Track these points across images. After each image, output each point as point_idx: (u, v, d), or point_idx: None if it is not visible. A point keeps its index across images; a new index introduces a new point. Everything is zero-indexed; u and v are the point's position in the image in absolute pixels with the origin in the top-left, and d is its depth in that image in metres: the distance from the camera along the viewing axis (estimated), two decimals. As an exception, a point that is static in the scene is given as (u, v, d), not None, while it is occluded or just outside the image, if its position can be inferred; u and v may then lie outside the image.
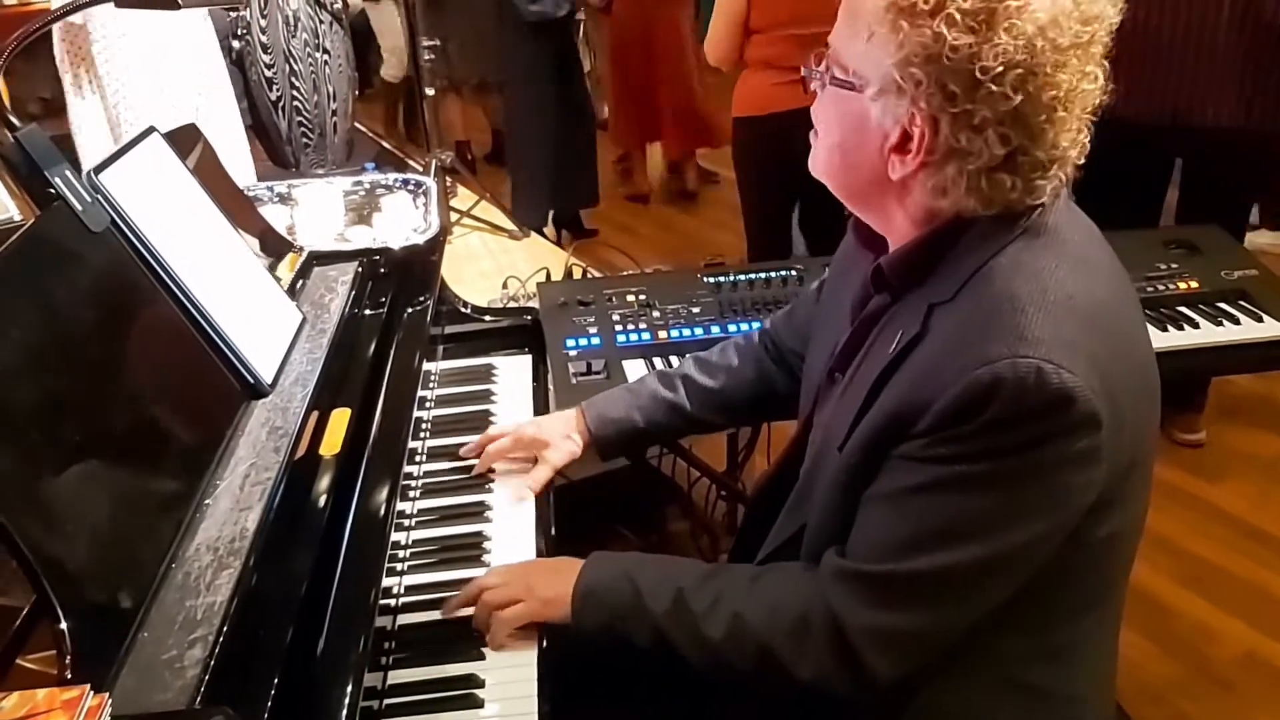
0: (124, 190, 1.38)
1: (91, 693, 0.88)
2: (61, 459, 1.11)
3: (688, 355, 1.87)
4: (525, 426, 1.79)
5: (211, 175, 1.65)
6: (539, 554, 1.61)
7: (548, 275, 2.77)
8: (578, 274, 2.84)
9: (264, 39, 3.96)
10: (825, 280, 1.65)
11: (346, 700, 1.12)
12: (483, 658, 1.42)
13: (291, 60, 4.02)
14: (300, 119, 4.09)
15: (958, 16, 1.09)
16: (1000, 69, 1.09)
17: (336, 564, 1.27)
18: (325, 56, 4.11)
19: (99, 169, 1.35)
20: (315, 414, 1.47)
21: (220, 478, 1.34)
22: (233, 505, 1.29)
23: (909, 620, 1.22)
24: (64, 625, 1.00)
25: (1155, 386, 1.27)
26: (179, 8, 1.75)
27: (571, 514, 1.78)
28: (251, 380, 1.46)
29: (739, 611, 1.32)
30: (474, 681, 1.37)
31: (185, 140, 1.61)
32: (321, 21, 4.08)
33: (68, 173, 1.28)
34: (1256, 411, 3.88)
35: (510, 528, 1.66)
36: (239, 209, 1.71)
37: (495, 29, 5.30)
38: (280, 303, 1.63)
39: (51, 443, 1.11)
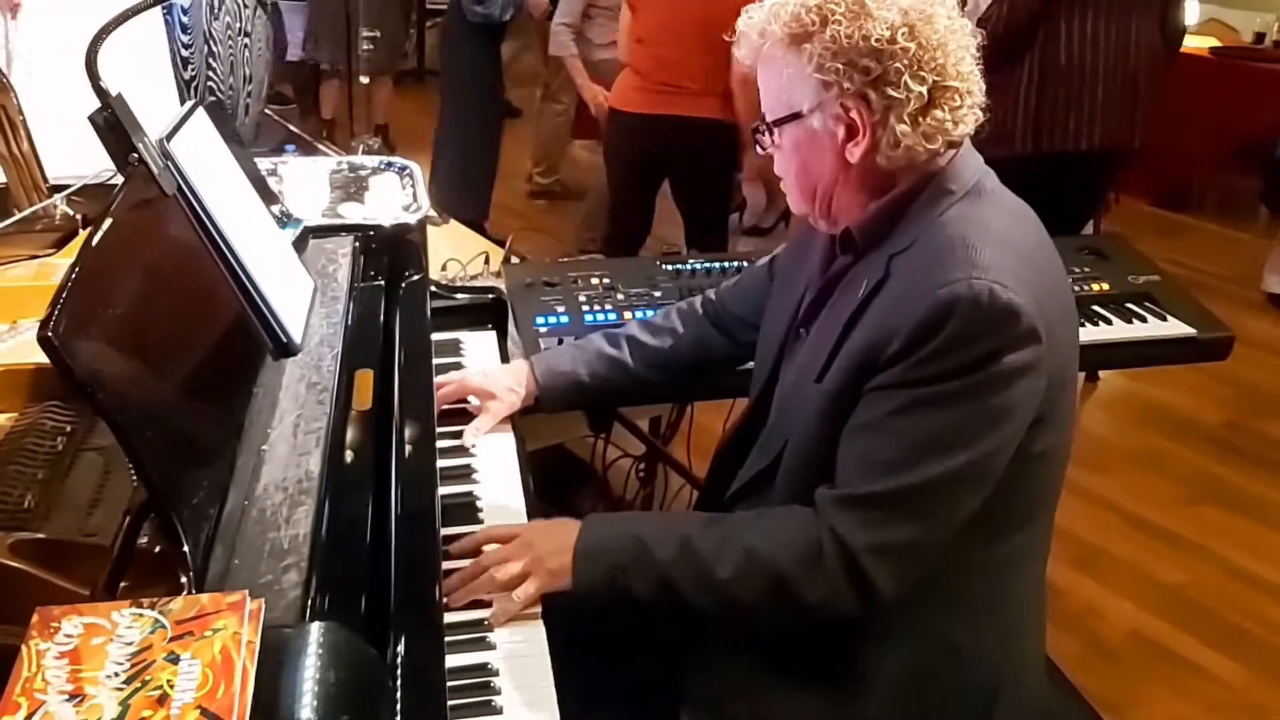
0: (186, 158, 1.44)
1: (250, 598, 0.97)
2: (165, 404, 1.19)
3: (633, 320, 2.02)
4: (473, 376, 1.92)
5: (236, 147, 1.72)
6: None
7: (487, 259, 2.86)
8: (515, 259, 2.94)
9: (184, 19, 3.91)
10: (777, 258, 1.84)
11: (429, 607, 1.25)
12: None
13: (211, 42, 3.99)
14: (213, 100, 4.07)
15: (839, 16, 1.35)
16: (889, 33, 1.33)
17: (393, 491, 1.39)
18: (246, 40, 4.11)
19: (169, 137, 1.42)
20: (348, 372, 1.56)
21: (271, 427, 1.42)
22: (290, 451, 1.38)
23: (906, 533, 1.37)
24: (186, 548, 1.08)
25: (1074, 320, 1.51)
26: None
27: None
28: (285, 339, 1.53)
29: (750, 546, 1.43)
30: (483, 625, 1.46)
31: (217, 114, 1.68)
32: (246, 6, 4.07)
33: (148, 140, 1.35)
34: (1129, 407, 4.22)
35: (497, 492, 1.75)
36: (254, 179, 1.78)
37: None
38: (297, 270, 1.70)
39: (158, 391, 1.19)
